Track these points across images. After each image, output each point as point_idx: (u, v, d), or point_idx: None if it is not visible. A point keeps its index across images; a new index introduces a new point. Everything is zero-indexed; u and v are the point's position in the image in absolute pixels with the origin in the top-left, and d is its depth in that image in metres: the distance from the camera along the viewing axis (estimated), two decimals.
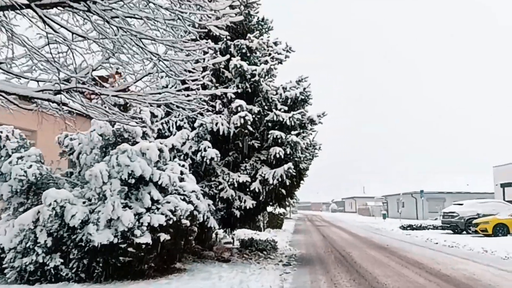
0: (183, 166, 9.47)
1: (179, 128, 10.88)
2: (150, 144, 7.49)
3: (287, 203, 46.38)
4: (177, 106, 6.04)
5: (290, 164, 10.07)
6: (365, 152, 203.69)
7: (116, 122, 8.43)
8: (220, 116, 10.49)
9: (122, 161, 7.18)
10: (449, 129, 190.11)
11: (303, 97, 11.28)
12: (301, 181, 11.39)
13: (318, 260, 12.94)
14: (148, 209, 7.45)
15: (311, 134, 11.98)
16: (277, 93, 11.57)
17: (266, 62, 10.93)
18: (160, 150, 8.27)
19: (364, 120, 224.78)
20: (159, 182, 7.59)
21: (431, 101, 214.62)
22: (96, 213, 7.07)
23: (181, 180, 8.57)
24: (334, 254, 14.31)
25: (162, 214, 7.45)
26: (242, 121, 9.85)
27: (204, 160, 9.92)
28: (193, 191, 8.22)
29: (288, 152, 10.56)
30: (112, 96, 5.12)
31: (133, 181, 7.30)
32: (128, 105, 8.41)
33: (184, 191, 8.07)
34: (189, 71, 5.67)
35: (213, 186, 10.41)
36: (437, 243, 18.65)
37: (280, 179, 10.21)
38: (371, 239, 21.07)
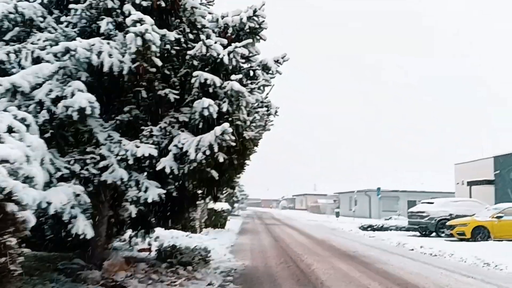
0: (22, 119, 4.98)
1: (37, 61, 6.29)
2: None
3: (234, 197, 42.08)
4: None
5: (225, 126, 5.77)
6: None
7: None
8: (109, 43, 6.02)
9: None
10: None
11: (252, 25, 7.00)
12: (246, 160, 7.13)
13: (268, 280, 8.78)
14: None
15: (262, 87, 7.69)
16: (212, 20, 7.25)
17: None
18: None
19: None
20: None
21: None
22: None
23: None
24: (290, 268, 10.21)
25: None
26: (140, 42, 5.43)
27: (70, 112, 5.43)
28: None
29: (225, 110, 6.26)
30: None
31: None
32: None
33: None
34: None
35: (89, 162, 5.92)
36: (412, 250, 15.14)
37: (208, 152, 5.90)
38: (332, 243, 17.26)
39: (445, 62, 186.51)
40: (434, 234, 20.81)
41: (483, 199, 23.90)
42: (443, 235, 20.08)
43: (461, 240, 17.85)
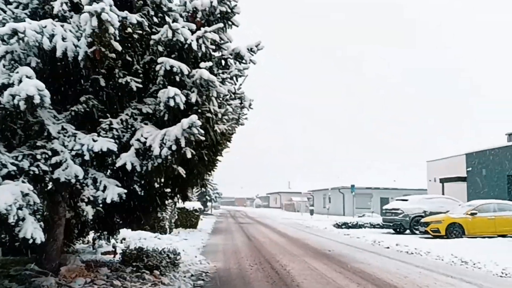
0: None
1: None
2: None
3: (206, 196, 41.25)
4: None
5: (193, 118, 5.23)
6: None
7: None
8: (63, 25, 5.39)
9: None
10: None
11: (224, 10, 6.47)
12: (218, 156, 6.61)
13: (242, 283, 8.29)
14: None
15: (235, 77, 7.16)
16: (180, 4, 6.68)
17: None
18: None
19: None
20: None
21: None
22: None
23: None
24: (265, 270, 9.75)
25: None
26: (96, 23, 4.84)
27: (16, 101, 4.78)
28: None
29: (193, 100, 5.72)
30: None
31: None
32: None
33: None
34: None
35: (39, 157, 5.27)
36: (388, 248, 14.95)
37: (175, 148, 5.35)
38: (306, 242, 16.91)
39: (427, 54, 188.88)
40: (408, 231, 20.78)
41: (456, 196, 24.09)
42: (417, 232, 20.04)
43: (436, 237, 17.82)
